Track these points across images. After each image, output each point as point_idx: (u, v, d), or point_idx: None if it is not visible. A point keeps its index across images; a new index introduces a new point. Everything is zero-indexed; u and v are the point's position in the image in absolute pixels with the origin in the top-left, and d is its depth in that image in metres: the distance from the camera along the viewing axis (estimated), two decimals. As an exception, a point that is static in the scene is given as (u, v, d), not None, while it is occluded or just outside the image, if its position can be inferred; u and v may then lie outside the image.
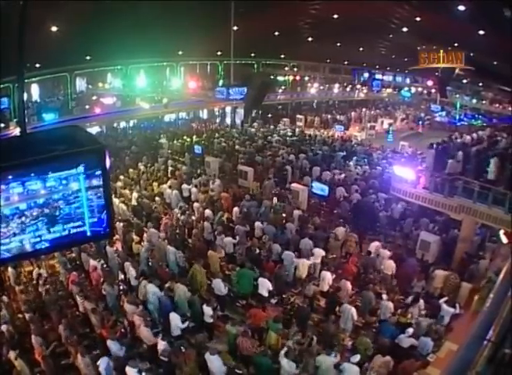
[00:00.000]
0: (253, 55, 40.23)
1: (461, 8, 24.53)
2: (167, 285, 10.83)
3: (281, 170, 21.99)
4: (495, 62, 37.82)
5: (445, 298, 11.35)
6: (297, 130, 36.90)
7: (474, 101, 56.53)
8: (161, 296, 10.16)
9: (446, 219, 16.04)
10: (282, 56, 44.78)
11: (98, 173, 2.61)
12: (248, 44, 33.15)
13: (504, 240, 12.44)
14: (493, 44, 28.92)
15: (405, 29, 35.30)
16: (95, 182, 2.63)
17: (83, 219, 2.68)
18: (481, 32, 27.99)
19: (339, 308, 10.85)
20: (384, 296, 11.33)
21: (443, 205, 15.21)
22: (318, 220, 15.82)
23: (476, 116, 54.66)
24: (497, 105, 55.56)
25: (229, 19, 27.72)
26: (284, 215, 16.35)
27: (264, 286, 11.00)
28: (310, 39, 39.11)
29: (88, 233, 2.75)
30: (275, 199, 17.81)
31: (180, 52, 33.07)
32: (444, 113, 53.87)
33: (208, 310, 9.70)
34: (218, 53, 36.05)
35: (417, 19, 31.14)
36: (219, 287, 10.81)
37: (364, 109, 50.69)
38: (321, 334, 9.92)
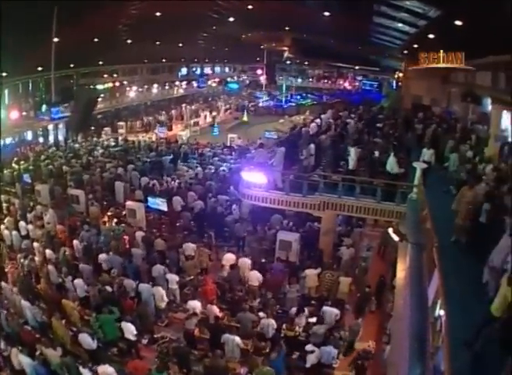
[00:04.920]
0: (72, 65, 38.67)
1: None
2: (38, 353, 9.71)
3: (111, 187, 20.52)
4: (332, 41, 40.46)
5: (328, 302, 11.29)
6: (120, 138, 35.23)
7: (300, 80, 58.27)
8: (35, 365, 9.30)
9: (299, 211, 15.45)
10: (101, 63, 43.01)
11: None
12: (68, 55, 32.00)
13: (396, 238, 11.64)
14: (335, 25, 31.13)
15: (232, 19, 35.88)
16: None
17: None
18: (327, 13, 29.08)
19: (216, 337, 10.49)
20: (261, 314, 10.91)
21: (304, 204, 14.42)
22: (162, 241, 14.82)
23: (304, 95, 55.94)
24: (326, 81, 58.16)
25: (51, 32, 27.06)
26: (126, 237, 15.25)
27: (129, 330, 10.52)
28: (129, 41, 38.65)
29: None
30: (111, 223, 17.18)
31: (4, 74, 30.73)
32: (268, 98, 55.22)
33: (85, 372, 9.06)
34: (40, 68, 33.90)
35: (250, 7, 31.69)
36: (87, 342, 10.07)
37: (184, 105, 49.92)
38: (210, 371, 9.44)
